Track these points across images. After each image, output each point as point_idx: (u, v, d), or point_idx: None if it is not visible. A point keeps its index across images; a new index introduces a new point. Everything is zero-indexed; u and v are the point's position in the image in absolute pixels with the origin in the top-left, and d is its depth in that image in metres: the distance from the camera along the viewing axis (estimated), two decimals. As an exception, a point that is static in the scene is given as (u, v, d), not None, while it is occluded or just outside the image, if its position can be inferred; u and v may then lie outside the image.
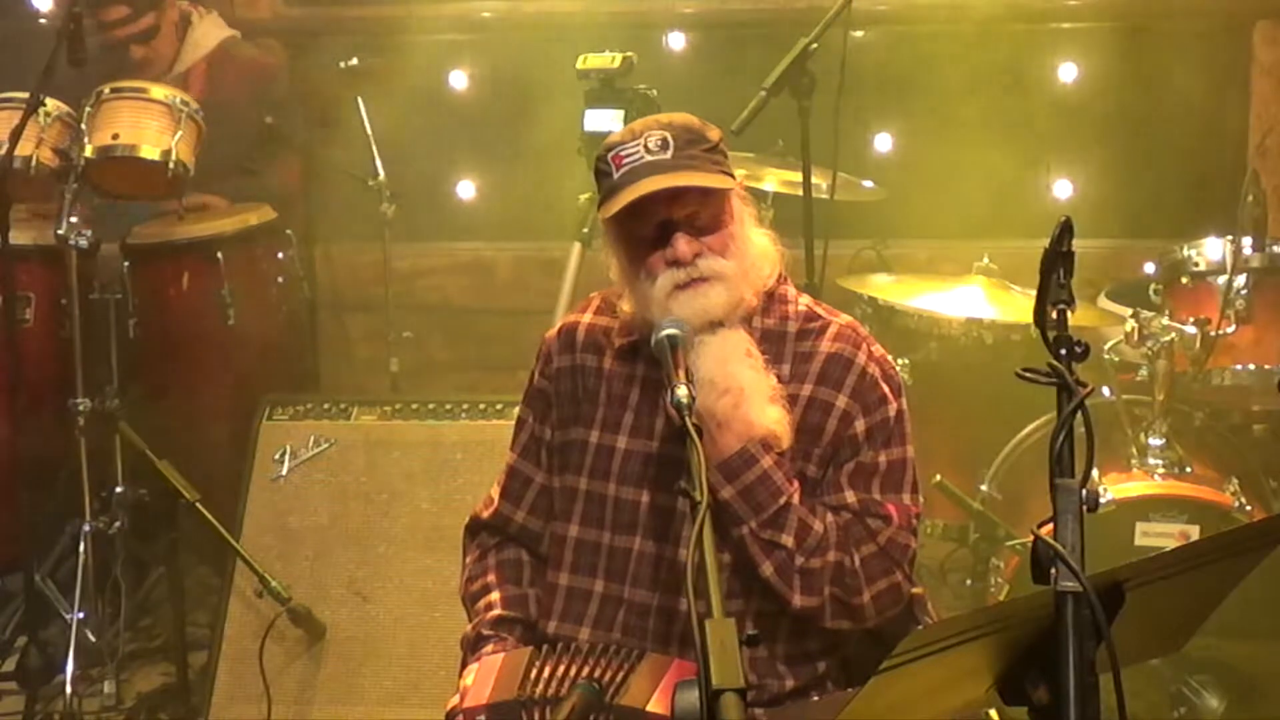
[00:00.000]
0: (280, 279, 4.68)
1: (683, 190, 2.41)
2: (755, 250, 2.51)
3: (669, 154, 2.42)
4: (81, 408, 4.08)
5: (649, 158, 2.42)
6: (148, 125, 4.19)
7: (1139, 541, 3.62)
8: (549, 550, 2.61)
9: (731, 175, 2.50)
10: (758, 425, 2.41)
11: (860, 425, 2.50)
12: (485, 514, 2.70)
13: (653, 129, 2.45)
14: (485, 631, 2.57)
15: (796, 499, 2.44)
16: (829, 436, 2.49)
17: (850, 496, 2.49)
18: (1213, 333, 3.88)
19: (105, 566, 4.19)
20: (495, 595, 2.61)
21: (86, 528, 4.10)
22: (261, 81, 4.86)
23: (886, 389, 2.53)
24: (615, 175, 2.44)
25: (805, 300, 2.60)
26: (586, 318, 2.65)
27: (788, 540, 2.42)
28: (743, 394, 2.40)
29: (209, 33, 4.90)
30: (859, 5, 3.87)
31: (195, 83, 4.82)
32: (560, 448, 2.60)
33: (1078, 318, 1.94)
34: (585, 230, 4.18)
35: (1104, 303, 4.38)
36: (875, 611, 2.48)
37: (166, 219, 4.59)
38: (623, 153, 2.44)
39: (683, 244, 2.42)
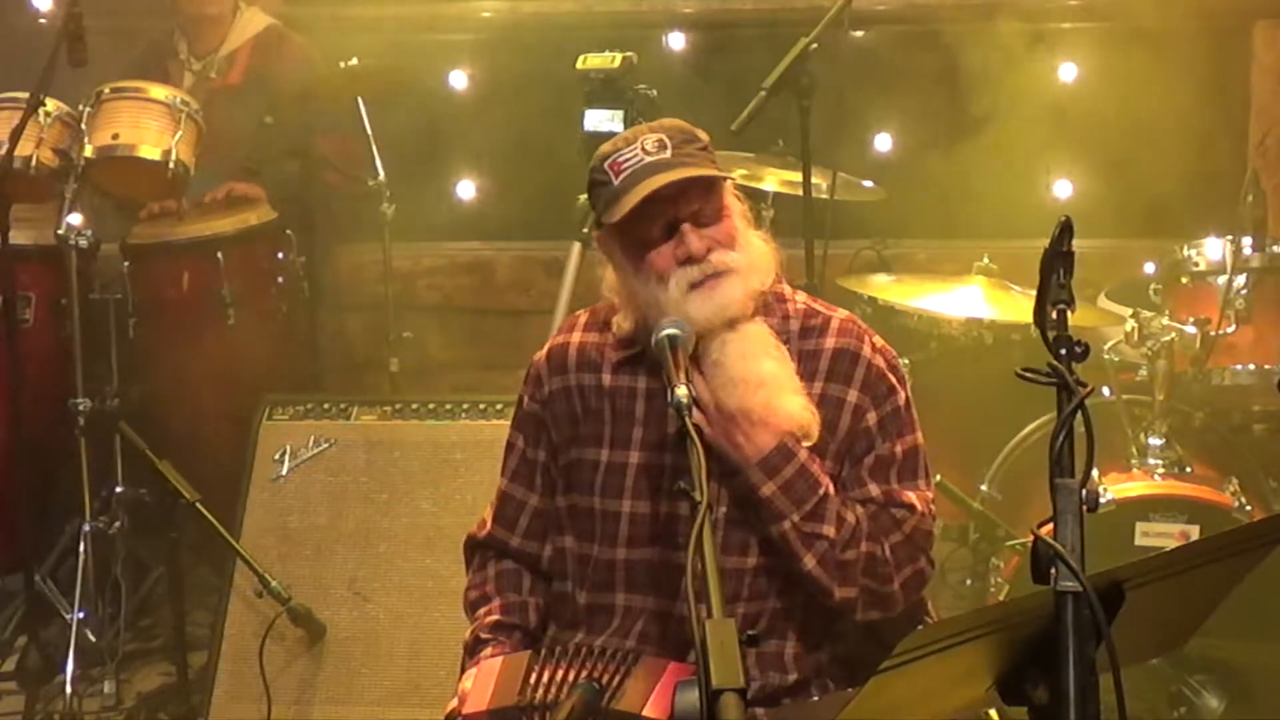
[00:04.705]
0: (280, 279, 4.68)
1: (687, 187, 2.41)
2: (755, 245, 2.52)
3: (668, 153, 2.42)
4: (81, 408, 4.07)
5: (649, 158, 2.42)
6: (148, 125, 4.20)
7: (1139, 541, 3.62)
8: (567, 568, 2.59)
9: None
10: (789, 417, 2.41)
11: (872, 418, 2.50)
12: (480, 535, 2.70)
13: (647, 133, 2.46)
14: (483, 635, 2.57)
15: (832, 490, 2.45)
16: (843, 432, 2.50)
17: (874, 489, 2.50)
18: (1213, 333, 3.88)
19: (105, 566, 4.19)
20: (495, 602, 2.61)
21: (86, 528, 4.10)
22: (305, 67, 4.87)
23: (893, 379, 2.54)
24: (616, 181, 2.43)
25: (802, 297, 2.61)
26: (576, 336, 2.63)
27: (829, 531, 2.42)
28: (772, 387, 2.40)
29: (255, 18, 4.96)
30: (859, 5, 3.87)
31: (239, 64, 4.86)
32: (565, 469, 2.59)
33: (1078, 318, 1.94)
34: (585, 230, 4.17)
35: (1104, 303, 4.38)
36: (903, 598, 2.50)
37: (168, 219, 4.60)
38: (620, 159, 2.43)
39: (694, 239, 2.41)
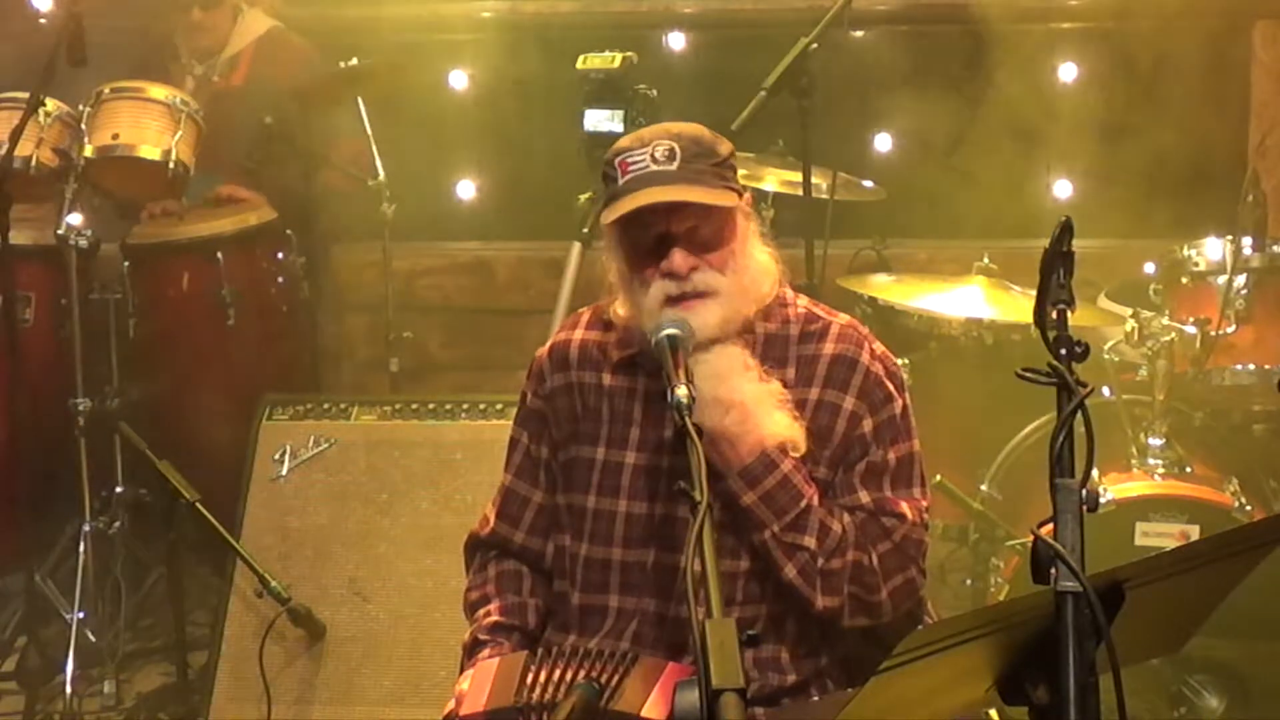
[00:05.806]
0: (280, 279, 4.68)
1: (684, 204, 2.40)
2: (756, 267, 2.50)
3: (674, 165, 2.41)
4: (81, 408, 4.08)
5: (654, 167, 2.41)
6: (148, 125, 4.20)
7: (1139, 541, 3.62)
8: (564, 567, 2.59)
9: (738, 191, 2.49)
10: (769, 435, 2.41)
11: (868, 425, 2.50)
12: (483, 533, 2.69)
13: (661, 138, 2.44)
14: (481, 636, 2.57)
15: (816, 501, 2.44)
16: (838, 438, 2.49)
17: (864, 496, 2.49)
18: (1213, 333, 3.88)
19: (105, 566, 4.20)
20: (494, 604, 2.61)
21: (86, 528, 4.11)
22: (306, 68, 4.88)
23: (891, 386, 2.53)
24: (620, 181, 2.43)
25: (803, 301, 2.60)
26: (578, 334, 2.63)
27: (810, 542, 2.42)
28: (746, 408, 2.39)
29: (258, 20, 4.99)
30: (859, 5, 3.87)
31: (243, 66, 4.89)
32: (563, 466, 2.59)
33: (1078, 318, 1.93)
34: (585, 230, 4.17)
35: (1104, 303, 4.38)
36: (892, 607, 2.49)
37: (168, 219, 4.60)
38: (629, 159, 2.43)
39: (679, 258, 2.41)
